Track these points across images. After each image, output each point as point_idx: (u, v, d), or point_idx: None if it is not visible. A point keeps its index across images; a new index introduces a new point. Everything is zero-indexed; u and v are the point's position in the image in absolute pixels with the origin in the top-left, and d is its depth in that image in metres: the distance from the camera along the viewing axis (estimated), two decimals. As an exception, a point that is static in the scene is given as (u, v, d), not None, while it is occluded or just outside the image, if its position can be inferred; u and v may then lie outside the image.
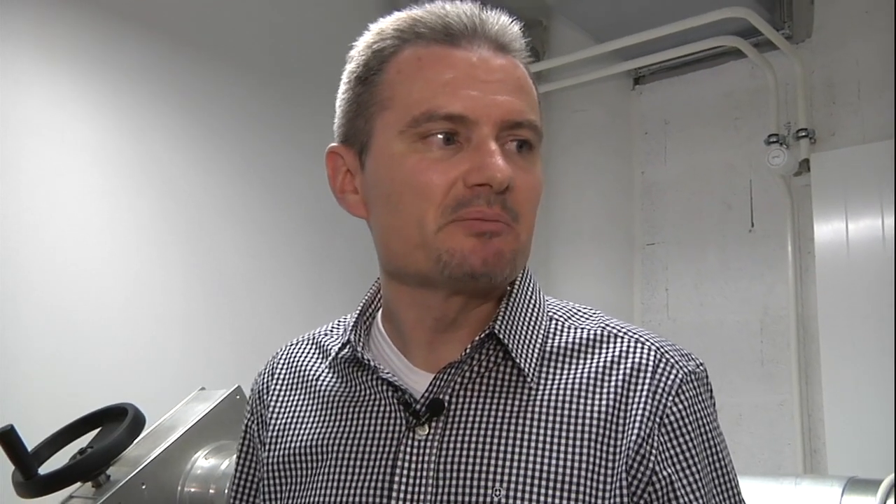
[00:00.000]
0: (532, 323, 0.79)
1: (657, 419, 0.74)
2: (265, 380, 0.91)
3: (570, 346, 0.79)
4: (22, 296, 2.02)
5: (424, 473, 0.74)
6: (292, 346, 0.92)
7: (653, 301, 3.11)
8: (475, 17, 0.76)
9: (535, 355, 0.78)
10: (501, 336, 0.76)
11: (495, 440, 0.74)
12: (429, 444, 0.75)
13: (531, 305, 0.81)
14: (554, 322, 0.81)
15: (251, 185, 2.61)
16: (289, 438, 0.84)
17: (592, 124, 3.17)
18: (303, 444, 0.82)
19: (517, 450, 0.73)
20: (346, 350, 0.82)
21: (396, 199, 0.74)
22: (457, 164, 0.72)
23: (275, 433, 0.85)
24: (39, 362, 2.02)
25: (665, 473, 0.72)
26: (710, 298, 2.98)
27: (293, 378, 0.88)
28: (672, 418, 0.74)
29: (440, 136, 0.72)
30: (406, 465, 0.75)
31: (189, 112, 2.46)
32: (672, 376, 0.76)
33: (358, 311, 0.85)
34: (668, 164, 3.15)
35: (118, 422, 1.50)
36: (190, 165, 2.45)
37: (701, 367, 0.79)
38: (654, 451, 0.73)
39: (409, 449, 0.75)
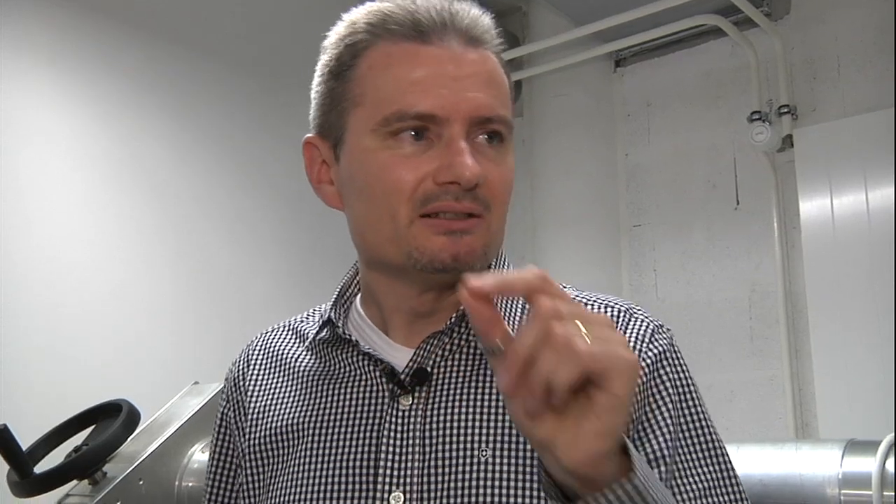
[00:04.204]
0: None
1: None
2: (240, 367, 0.91)
3: None
4: (13, 295, 2.01)
5: (410, 441, 0.75)
6: (268, 334, 0.92)
7: (641, 282, 3.12)
8: (444, 12, 0.76)
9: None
10: None
11: (478, 404, 0.76)
12: (413, 412, 0.76)
13: None
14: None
15: (236, 179, 2.59)
16: (269, 419, 0.84)
17: (575, 108, 3.17)
18: (284, 422, 0.82)
19: (500, 412, 0.75)
20: (324, 332, 0.83)
21: (369, 193, 0.75)
22: (427, 161, 0.73)
23: (254, 416, 0.85)
24: (32, 361, 2.02)
25: (639, 413, 0.75)
26: (698, 277, 2.99)
27: (270, 362, 0.89)
28: (647, 362, 0.77)
29: (411, 133, 0.73)
30: (392, 434, 0.76)
31: (173, 108, 2.44)
32: (644, 328, 0.79)
33: (336, 294, 0.86)
34: (652, 145, 3.16)
35: (113, 418, 1.49)
36: (175, 161, 2.44)
37: (669, 328, 0.82)
38: None
39: (393, 419, 0.76)
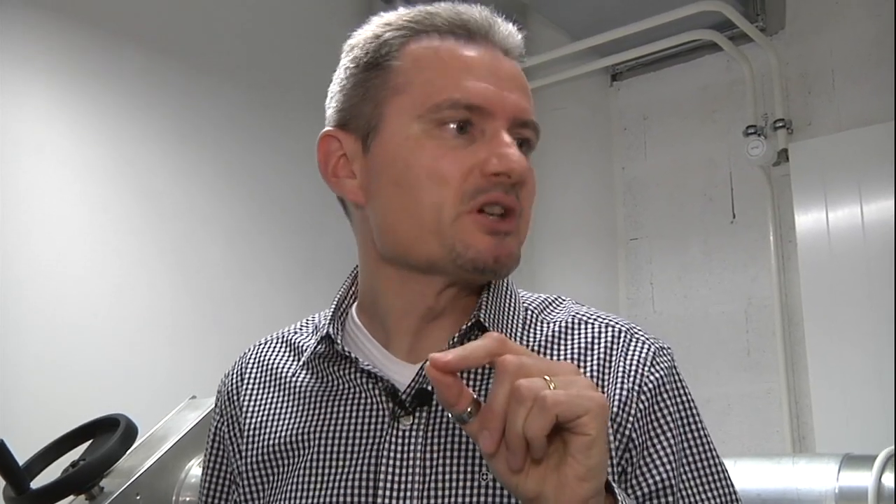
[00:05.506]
0: (512, 312, 0.81)
1: (636, 388, 0.76)
2: (234, 381, 0.89)
3: (545, 340, 0.81)
4: (9, 308, 2.00)
5: (411, 463, 0.74)
6: (260, 346, 0.91)
7: (638, 295, 3.13)
8: (488, 19, 0.79)
9: (518, 343, 0.78)
10: (487, 324, 0.77)
11: None
12: (413, 433, 0.75)
13: (509, 296, 0.83)
14: (529, 313, 0.83)
15: (235, 192, 2.59)
16: (266, 435, 0.83)
17: (572, 122, 3.18)
18: (281, 439, 0.81)
19: None
20: (320, 346, 0.82)
21: (414, 182, 0.75)
22: (473, 154, 0.74)
23: (250, 433, 0.84)
24: (29, 375, 2.00)
25: (642, 439, 0.75)
26: (695, 290, 3.00)
27: (265, 377, 0.87)
28: (649, 386, 0.76)
29: (453, 126, 0.74)
30: (392, 455, 0.75)
31: (171, 119, 2.44)
32: (645, 350, 0.79)
33: (334, 307, 0.85)
34: (649, 158, 3.17)
35: (110, 433, 1.48)
36: (173, 172, 2.43)
37: (669, 347, 0.82)
38: (630, 419, 0.75)
39: (393, 439, 0.75)
